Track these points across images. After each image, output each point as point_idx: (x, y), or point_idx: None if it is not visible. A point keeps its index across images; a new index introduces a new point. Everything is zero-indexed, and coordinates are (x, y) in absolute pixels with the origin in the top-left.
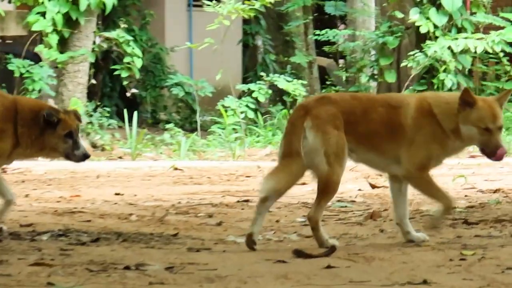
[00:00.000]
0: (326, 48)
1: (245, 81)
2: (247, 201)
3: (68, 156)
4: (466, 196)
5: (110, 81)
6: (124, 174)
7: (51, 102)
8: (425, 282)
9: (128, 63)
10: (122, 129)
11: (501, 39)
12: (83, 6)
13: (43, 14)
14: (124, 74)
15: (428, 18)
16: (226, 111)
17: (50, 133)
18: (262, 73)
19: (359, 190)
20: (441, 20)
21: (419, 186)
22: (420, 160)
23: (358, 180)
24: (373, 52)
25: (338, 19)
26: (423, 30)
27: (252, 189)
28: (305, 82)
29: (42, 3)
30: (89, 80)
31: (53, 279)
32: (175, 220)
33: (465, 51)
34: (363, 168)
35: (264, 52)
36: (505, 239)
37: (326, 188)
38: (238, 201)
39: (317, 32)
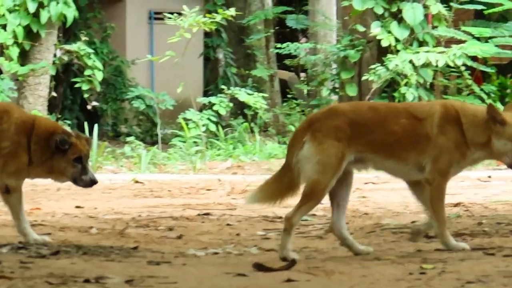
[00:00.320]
0: (287, 62)
1: (206, 94)
2: (207, 214)
3: (76, 181)
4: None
5: (71, 93)
6: None
7: None
8: None
9: (89, 75)
10: None
11: (463, 53)
12: (44, 18)
13: (3, 27)
14: (85, 87)
15: (389, 32)
16: (187, 124)
17: (60, 156)
18: (223, 86)
19: (320, 203)
20: (403, 34)
21: (435, 193)
22: (443, 166)
23: None
24: (334, 65)
25: (300, 33)
26: (384, 43)
27: (213, 202)
28: (266, 95)
29: (3, 15)
30: (50, 92)
31: None
32: (135, 233)
33: (426, 65)
34: None
35: (225, 65)
36: (465, 253)
37: (310, 195)
38: (198, 214)
39: (279, 45)
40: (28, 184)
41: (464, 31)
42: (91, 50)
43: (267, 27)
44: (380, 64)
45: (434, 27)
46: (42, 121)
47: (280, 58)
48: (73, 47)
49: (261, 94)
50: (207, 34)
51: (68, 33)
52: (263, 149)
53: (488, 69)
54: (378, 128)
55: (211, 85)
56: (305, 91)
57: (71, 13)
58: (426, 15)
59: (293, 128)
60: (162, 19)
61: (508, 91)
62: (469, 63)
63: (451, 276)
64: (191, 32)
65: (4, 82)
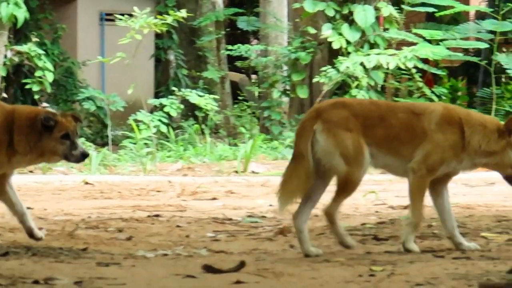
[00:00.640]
0: (238, 63)
1: (157, 95)
2: (157, 215)
3: (67, 157)
4: (376, 212)
5: (22, 95)
6: (34, 188)
7: None
8: None
9: (40, 77)
10: None
11: (414, 55)
12: None
13: None
14: (35, 88)
15: (340, 34)
16: (138, 125)
17: (47, 136)
18: (174, 88)
19: (270, 205)
20: (354, 36)
21: (416, 185)
22: (432, 161)
23: (269, 196)
24: (285, 67)
25: (251, 34)
26: (335, 46)
27: (163, 204)
28: (217, 97)
29: None
30: (0, 94)
31: None
32: (85, 234)
33: (377, 67)
34: (273, 184)
35: (176, 67)
36: (414, 255)
37: (345, 188)
38: (148, 216)
39: (230, 47)
40: None
41: (416, 34)
42: (41, 51)
43: (218, 28)
44: (331, 66)
45: (385, 30)
46: (22, 112)
47: (231, 60)
48: (23, 48)
49: (212, 96)
50: (158, 36)
51: (18, 34)
52: (213, 151)
53: (439, 72)
54: (379, 122)
55: (162, 86)
56: (256, 93)
57: (22, 14)
58: (377, 18)
59: (244, 130)
60: (113, 20)
61: (459, 93)
62: (420, 65)
63: (400, 278)
64: (142, 34)
65: None
